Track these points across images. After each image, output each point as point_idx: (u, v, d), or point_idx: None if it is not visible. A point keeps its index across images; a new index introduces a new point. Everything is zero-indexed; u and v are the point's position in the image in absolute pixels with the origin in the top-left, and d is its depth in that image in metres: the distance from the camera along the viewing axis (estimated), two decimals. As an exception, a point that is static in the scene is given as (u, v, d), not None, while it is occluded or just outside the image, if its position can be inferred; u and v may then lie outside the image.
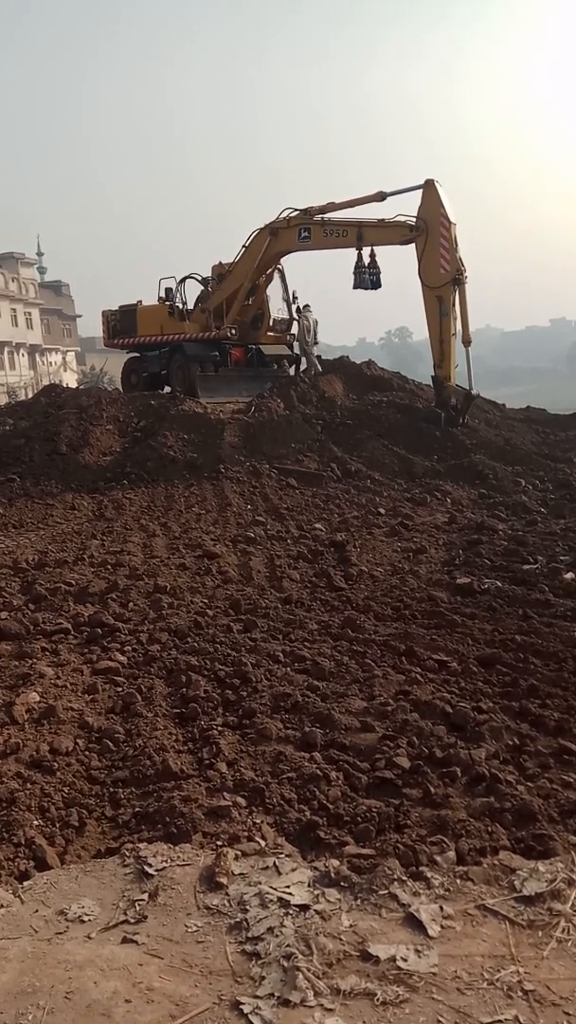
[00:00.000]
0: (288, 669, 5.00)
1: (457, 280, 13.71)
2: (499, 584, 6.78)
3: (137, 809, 3.49)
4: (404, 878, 2.79)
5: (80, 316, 74.73)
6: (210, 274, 17.72)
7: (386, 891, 2.72)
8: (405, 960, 2.38)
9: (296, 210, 15.71)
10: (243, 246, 16.42)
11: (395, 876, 2.79)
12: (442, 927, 2.53)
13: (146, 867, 2.96)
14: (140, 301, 19.15)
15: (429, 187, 14.01)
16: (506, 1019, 2.14)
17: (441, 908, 2.61)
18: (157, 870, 2.94)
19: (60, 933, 2.60)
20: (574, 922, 2.52)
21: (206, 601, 6.69)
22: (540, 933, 2.48)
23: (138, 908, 2.72)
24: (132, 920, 2.67)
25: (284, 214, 15.83)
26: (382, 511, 10.43)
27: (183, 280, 17.92)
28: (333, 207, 15.36)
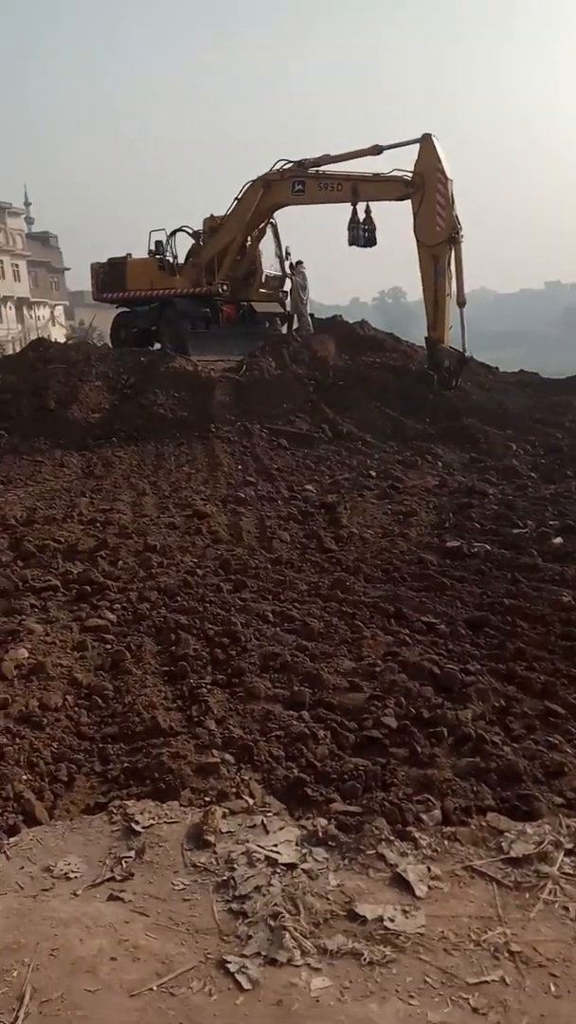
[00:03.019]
0: (277, 629, 4.98)
1: (453, 238, 13.46)
2: (488, 548, 6.76)
3: (126, 765, 3.48)
4: (391, 838, 2.80)
5: (68, 269, 73.28)
6: (201, 227, 17.33)
7: (373, 851, 2.73)
8: (392, 920, 2.39)
9: (290, 162, 15.32)
10: (235, 198, 16.01)
11: (383, 836, 2.80)
12: (429, 888, 2.54)
13: (133, 824, 2.96)
14: (129, 254, 18.74)
15: (426, 141, 13.66)
16: (492, 980, 2.16)
17: (428, 869, 2.62)
18: (144, 827, 2.94)
19: (46, 890, 2.60)
20: (561, 884, 2.54)
21: (196, 560, 6.65)
22: (527, 895, 2.50)
23: (125, 866, 2.72)
24: (118, 878, 2.67)
25: (278, 166, 15.44)
26: (373, 473, 10.37)
27: (174, 233, 17.50)
28: (328, 159, 14.98)
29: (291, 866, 2.67)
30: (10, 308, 61.00)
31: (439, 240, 13.49)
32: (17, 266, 62.70)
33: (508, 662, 4.39)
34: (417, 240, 13.82)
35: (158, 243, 17.54)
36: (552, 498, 8.66)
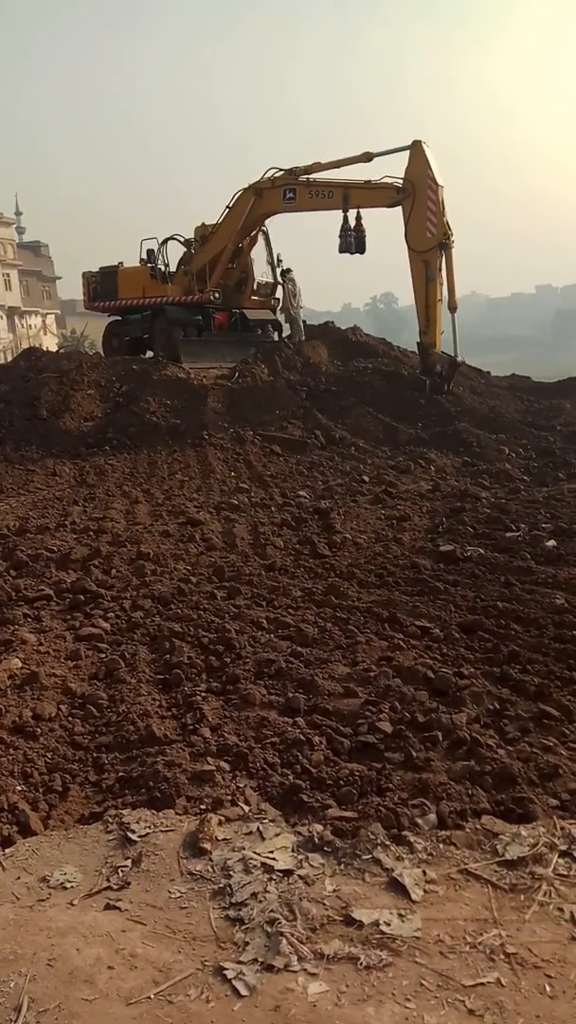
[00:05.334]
0: (272, 635, 4.99)
1: (444, 244, 13.56)
2: (481, 551, 6.79)
3: (121, 774, 3.48)
4: (387, 843, 2.80)
5: (60, 278, 73.42)
6: (193, 235, 17.37)
7: (369, 856, 2.73)
8: (388, 925, 2.39)
9: (281, 170, 15.39)
10: (227, 207, 16.09)
11: (378, 841, 2.80)
12: (425, 891, 2.54)
13: (129, 833, 2.96)
14: (121, 263, 18.77)
15: (416, 148, 13.77)
16: (488, 982, 2.17)
17: (424, 873, 2.63)
18: (140, 836, 2.94)
19: (42, 900, 2.60)
20: (555, 886, 2.55)
21: (189, 568, 6.65)
22: (522, 897, 2.51)
23: (121, 874, 2.72)
24: (115, 887, 2.66)
25: (269, 174, 15.51)
26: (366, 479, 10.40)
27: (165, 241, 17.54)
28: (319, 167, 15.07)
29: (287, 872, 2.67)
30: (1, 317, 61.00)
31: (430, 246, 13.58)
32: (8, 275, 62.75)
33: (502, 665, 4.41)
34: (408, 246, 13.90)
35: (149, 251, 17.56)
36: (544, 501, 8.70)
